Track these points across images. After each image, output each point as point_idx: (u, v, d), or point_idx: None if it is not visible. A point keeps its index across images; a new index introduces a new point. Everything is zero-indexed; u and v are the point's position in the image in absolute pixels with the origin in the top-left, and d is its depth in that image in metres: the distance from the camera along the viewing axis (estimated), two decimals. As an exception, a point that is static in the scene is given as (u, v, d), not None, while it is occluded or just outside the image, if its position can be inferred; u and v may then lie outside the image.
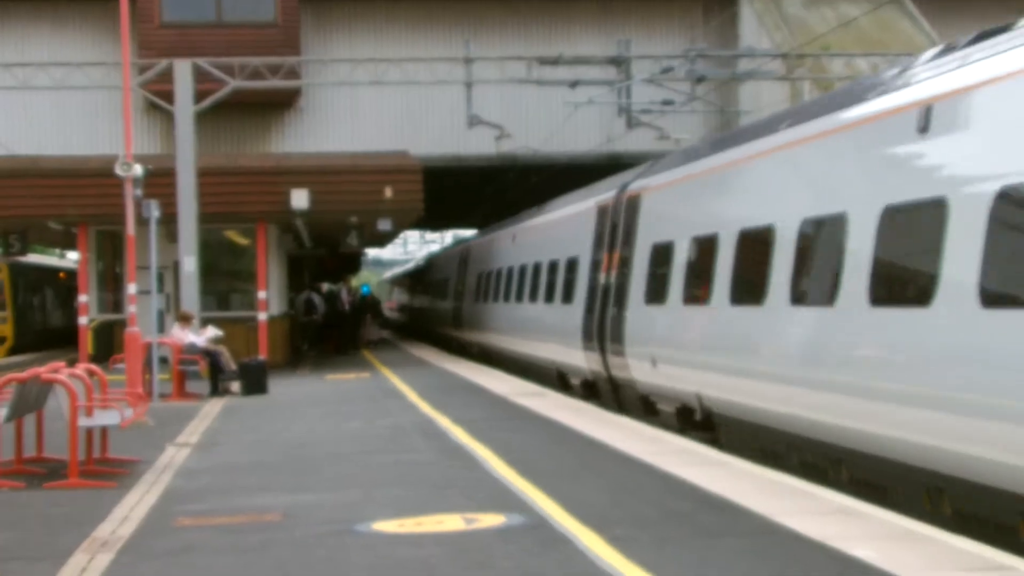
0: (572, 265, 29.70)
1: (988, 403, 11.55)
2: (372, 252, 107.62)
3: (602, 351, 25.65)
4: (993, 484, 11.68)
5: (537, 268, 34.09)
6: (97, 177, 32.92)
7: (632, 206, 24.92)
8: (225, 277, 39.11)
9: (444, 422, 21.05)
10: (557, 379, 30.73)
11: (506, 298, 38.34)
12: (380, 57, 39.85)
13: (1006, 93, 12.10)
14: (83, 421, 16.00)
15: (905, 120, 13.86)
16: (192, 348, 28.86)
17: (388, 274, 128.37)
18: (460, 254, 52.48)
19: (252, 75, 37.15)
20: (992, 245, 11.67)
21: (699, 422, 20.12)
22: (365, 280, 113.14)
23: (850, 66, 40.12)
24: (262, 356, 32.23)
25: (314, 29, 46.04)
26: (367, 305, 55.29)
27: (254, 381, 28.76)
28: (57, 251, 70.46)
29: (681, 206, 22.23)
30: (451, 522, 11.95)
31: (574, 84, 38.56)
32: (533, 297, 34.02)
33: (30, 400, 16.06)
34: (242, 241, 38.70)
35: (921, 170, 13.53)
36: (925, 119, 13.44)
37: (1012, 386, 11.13)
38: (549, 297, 31.87)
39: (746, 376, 17.72)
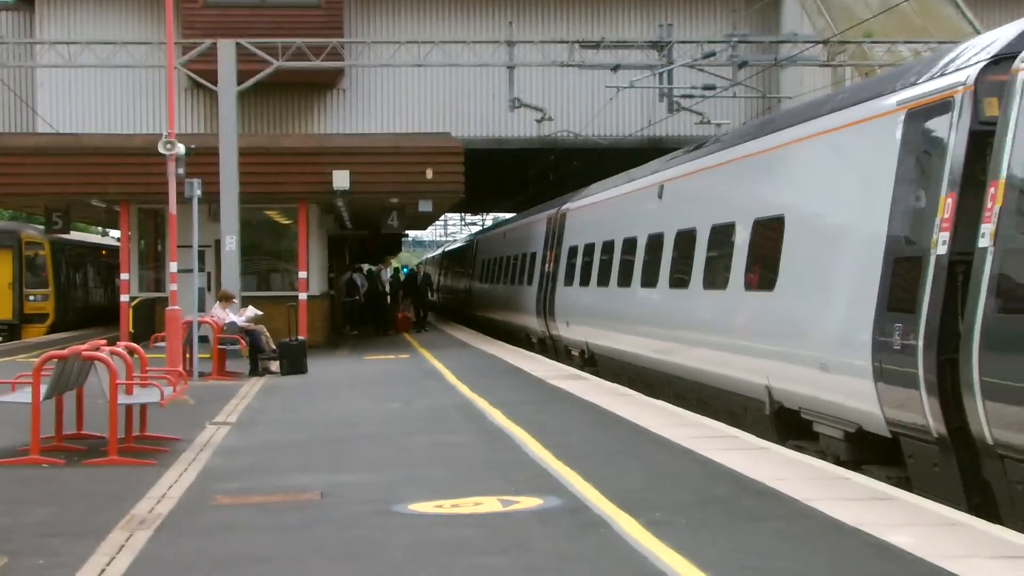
0: (532, 258, 41.10)
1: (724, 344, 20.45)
2: (412, 233, 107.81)
3: (545, 318, 37.54)
4: (728, 389, 20.40)
5: (514, 260, 45.21)
6: (140, 155, 33.09)
7: (561, 220, 36.99)
8: (266, 257, 39.23)
9: (483, 404, 21.06)
10: (525, 339, 41.46)
11: (496, 281, 49.95)
12: (423, 39, 39.89)
13: (685, 182, 24.44)
14: (123, 399, 16.08)
15: (654, 191, 26.40)
16: (232, 327, 28.93)
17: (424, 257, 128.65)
18: (470, 246, 64.96)
19: (295, 56, 37.21)
20: (704, 255, 22.16)
21: (587, 359, 32.12)
22: (405, 261, 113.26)
23: (892, 52, 39.93)
24: (302, 336, 32.30)
25: (357, 10, 46.13)
26: (419, 286, 54.32)
27: (294, 361, 28.83)
28: (99, 229, 70.75)
29: (580, 223, 34.65)
30: (489, 504, 11.96)
31: (616, 68, 38.49)
32: (511, 281, 45.07)
33: (70, 377, 16.14)
34: (283, 221, 38.80)
35: (659, 215, 25.60)
36: (660, 191, 25.78)
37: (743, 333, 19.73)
38: (520, 281, 42.87)
39: (611, 331, 28.99)
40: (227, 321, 29.00)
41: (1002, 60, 13.45)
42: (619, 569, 9.36)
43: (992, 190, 12.66)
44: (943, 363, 13.25)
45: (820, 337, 16.74)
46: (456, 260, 73.51)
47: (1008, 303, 12.23)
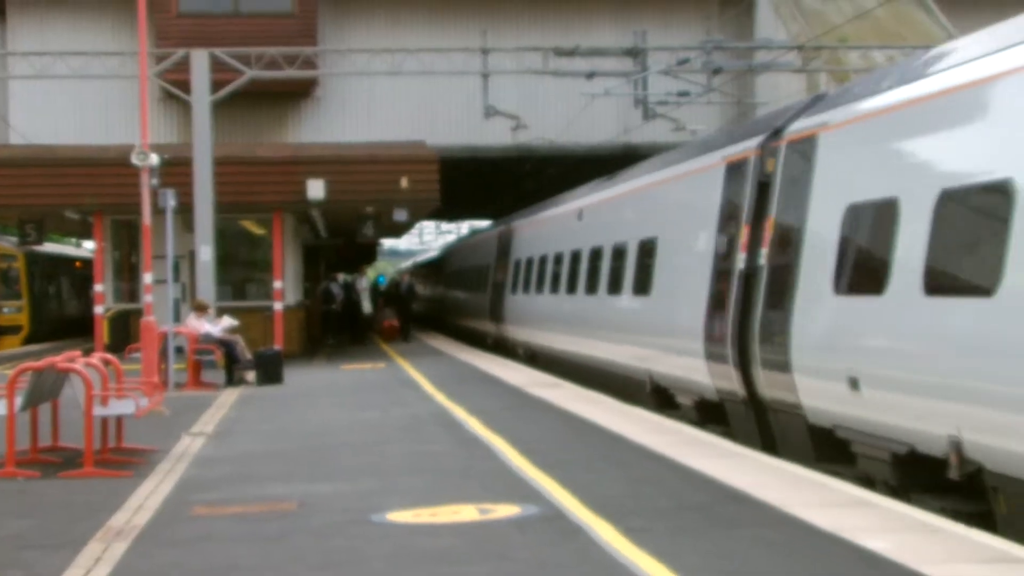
0: (486, 269, 46.74)
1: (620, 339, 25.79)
2: (388, 242, 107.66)
3: (496, 322, 42.70)
4: (623, 374, 25.79)
5: (470, 271, 52.00)
6: (114, 166, 32.99)
7: (509, 235, 42.89)
8: (241, 267, 39.13)
9: (460, 412, 21.05)
10: (483, 341, 45.49)
11: (461, 289, 55.66)
12: (397, 47, 39.92)
13: (597, 208, 30.14)
14: (98, 410, 16.03)
15: (574, 213, 32.44)
16: (208, 338, 28.89)
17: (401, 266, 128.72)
18: (442, 258, 70.93)
19: (269, 65, 37.19)
20: (608, 268, 27.41)
21: (530, 357, 36.66)
22: (380, 270, 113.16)
23: (866, 58, 40.08)
24: (278, 346, 32.26)
25: (331, 19, 46.08)
26: (404, 295, 54.14)
27: (270, 371, 28.78)
28: (73, 240, 70.57)
29: (521, 239, 40.54)
30: (467, 512, 11.95)
31: (591, 75, 38.51)
32: (469, 289, 51.19)
33: (46, 389, 16.09)
34: (258, 231, 38.73)
35: (579, 235, 30.99)
36: (580, 214, 31.44)
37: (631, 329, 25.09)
38: (478, 289, 48.29)
39: (546, 331, 34.46)
40: (203, 331, 28.94)
41: (779, 131, 18.56)
42: (598, 576, 9.35)
43: (767, 225, 18.16)
44: (742, 347, 18.48)
45: (677, 330, 21.73)
46: (430, 270, 78.74)
47: (771, 303, 17.50)
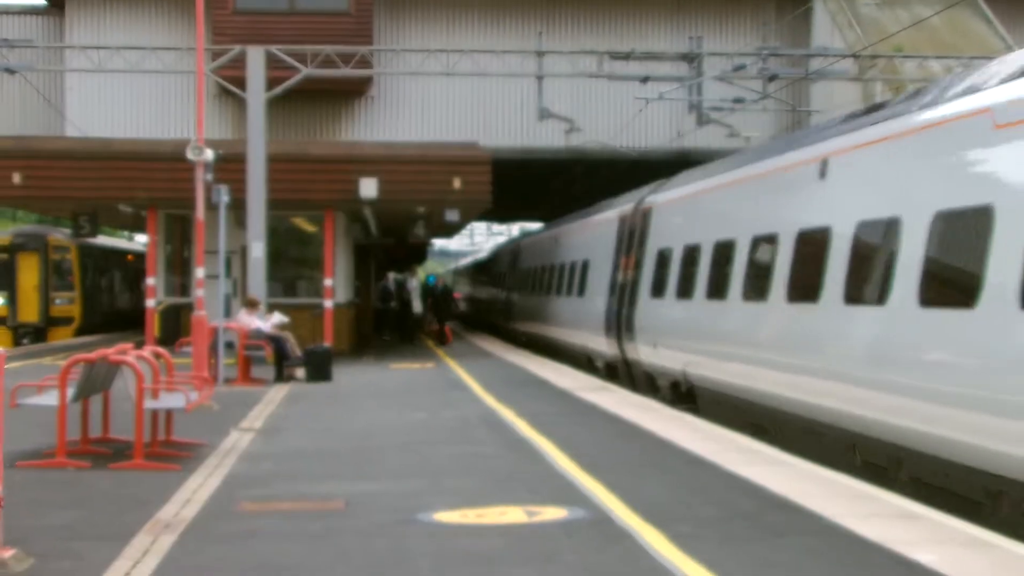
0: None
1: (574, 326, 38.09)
2: (439, 242, 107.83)
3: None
4: (575, 351, 37.93)
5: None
6: (168, 161, 33.15)
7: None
8: (292, 264, 39.26)
9: (508, 415, 21.06)
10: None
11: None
12: (452, 48, 39.94)
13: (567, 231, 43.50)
14: (149, 403, 16.10)
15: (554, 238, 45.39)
16: (258, 334, 28.98)
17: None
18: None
19: (324, 63, 37.30)
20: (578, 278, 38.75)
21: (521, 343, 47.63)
22: (431, 270, 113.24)
23: (923, 67, 39.85)
24: (327, 343, 32.33)
25: (387, 18, 46.16)
26: (439, 296, 53.96)
27: (319, 368, 28.84)
28: (126, 234, 70.93)
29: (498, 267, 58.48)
30: (513, 514, 11.95)
31: (645, 80, 38.47)
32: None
33: (97, 381, 16.18)
34: (310, 228, 38.85)
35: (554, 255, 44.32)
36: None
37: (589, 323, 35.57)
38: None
39: (533, 323, 47.14)
40: (253, 327, 29.04)
41: (640, 201, 31.58)
42: (644, 582, 9.34)
43: (631, 256, 30.85)
44: (619, 329, 30.92)
45: (596, 320, 33.78)
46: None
47: (630, 303, 29.84)
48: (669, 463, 15.44)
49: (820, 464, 15.44)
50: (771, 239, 20.57)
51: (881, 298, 15.95)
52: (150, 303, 36.71)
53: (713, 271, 23.60)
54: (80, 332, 49.81)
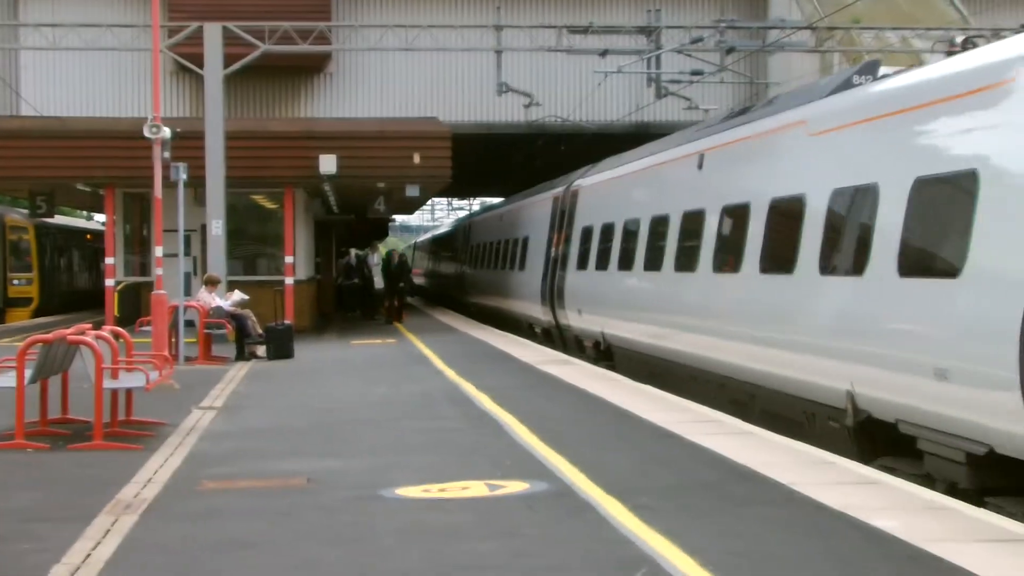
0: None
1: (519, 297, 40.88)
2: (400, 218, 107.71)
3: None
4: (520, 318, 41.41)
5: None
6: (125, 139, 32.95)
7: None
8: (252, 241, 39.13)
9: (470, 389, 21.06)
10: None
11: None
12: (410, 23, 39.82)
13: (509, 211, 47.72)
14: (108, 383, 16.03)
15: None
16: (219, 312, 28.89)
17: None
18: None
19: (282, 39, 37.12)
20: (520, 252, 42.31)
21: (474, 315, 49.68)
22: (392, 246, 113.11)
23: (880, 39, 39.92)
24: (288, 320, 32.26)
25: (345, -6, 45.97)
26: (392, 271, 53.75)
27: (280, 345, 28.80)
28: (84, 213, 70.59)
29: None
30: (476, 488, 11.95)
31: (604, 53, 38.46)
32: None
33: (55, 361, 16.09)
34: (270, 205, 38.72)
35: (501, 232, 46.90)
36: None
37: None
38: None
39: (484, 296, 50.54)
40: (213, 305, 28.95)
41: (570, 185, 35.48)
42: (606, 553, 9.34)
43: (561, 233, 34.63)
44: (552, 298, 34.57)
45: (534, 292, 37.21)
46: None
47: (560, 275, 33.66)
48: (631, 435, 15.47)
49: (693, 399, 19.69)
50: (664, 220, 24.31)
51: (735, 268, 19.81)
52: (109, 283, 36.52)
53: (623, 246, 27.50)
54: (38, 313, 49.58)
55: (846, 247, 16.02)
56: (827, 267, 16.49)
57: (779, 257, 18.17)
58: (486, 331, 37.66)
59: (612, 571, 8.85)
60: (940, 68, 14.99)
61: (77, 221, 65.92)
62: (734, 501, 11.13)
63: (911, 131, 14.88)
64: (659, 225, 24.62)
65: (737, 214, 20.10)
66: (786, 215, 18.15)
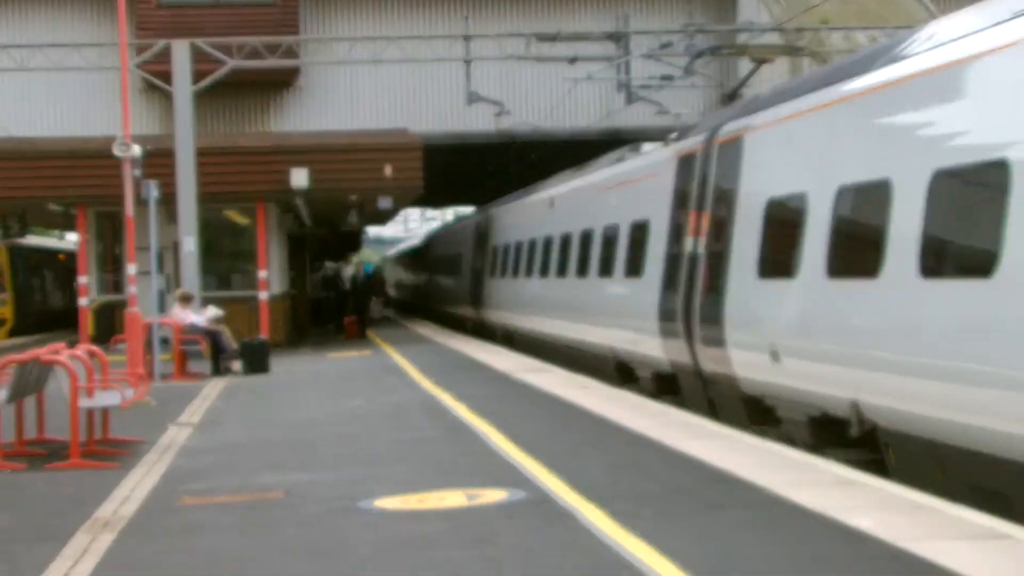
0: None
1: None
2: (373, 230, 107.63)
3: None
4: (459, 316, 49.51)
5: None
6: (96, 158, 32.88)
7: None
8: (225, 257, 39.06)
9: (446, 399, 21.05)
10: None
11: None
12: (379, 35, 39.83)
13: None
14: (84, 402, 15.99)
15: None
16: (193, 328, 28.85)
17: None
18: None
19: (250, 55, 37.09)
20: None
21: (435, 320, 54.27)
22: (367, 259, 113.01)
23: (849, 39, 40.02)
24: (263, 335, 32.23)
25: (313, 8, 45.91)
26: (372, 284, 53.87)
27: (256, 360, 28.77)
28: (56, 233, 70.40)
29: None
30: (453, 498, 11.94)
31: (573, 60, 38.46)
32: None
33: (30, 382, 16.05)
34: (242, 221, 38.67)
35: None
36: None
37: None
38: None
39: (441, 303, 56.87)
40: (188, 322, 28.90)
41: (490, 211, 46.10)
42: (585, 561, 9.35)
43: (484, 249, 45.04)
44: (478, 300, 43.13)
45: (466, 295, 40.63)
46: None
47: (483, 282, 43.11)
48: (608, 441, 15.48)
49: (580, 373, 25.39)
50: (535, 241, 34.10)
51: (605, 272, 26.16)
52: (83, 302, 36.45)
53: (517, 260, 36.37)
54: (13, 333, 49.41)
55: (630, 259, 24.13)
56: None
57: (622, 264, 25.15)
58: (461, 340, 37.66)
59: (591, 577, 8.86)
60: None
61: (50, 241, 65.72)
62: (712, 505, 11.15)
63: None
64: (538, 245, 33.53)
65: (586, 238, 28.35)
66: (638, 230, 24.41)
